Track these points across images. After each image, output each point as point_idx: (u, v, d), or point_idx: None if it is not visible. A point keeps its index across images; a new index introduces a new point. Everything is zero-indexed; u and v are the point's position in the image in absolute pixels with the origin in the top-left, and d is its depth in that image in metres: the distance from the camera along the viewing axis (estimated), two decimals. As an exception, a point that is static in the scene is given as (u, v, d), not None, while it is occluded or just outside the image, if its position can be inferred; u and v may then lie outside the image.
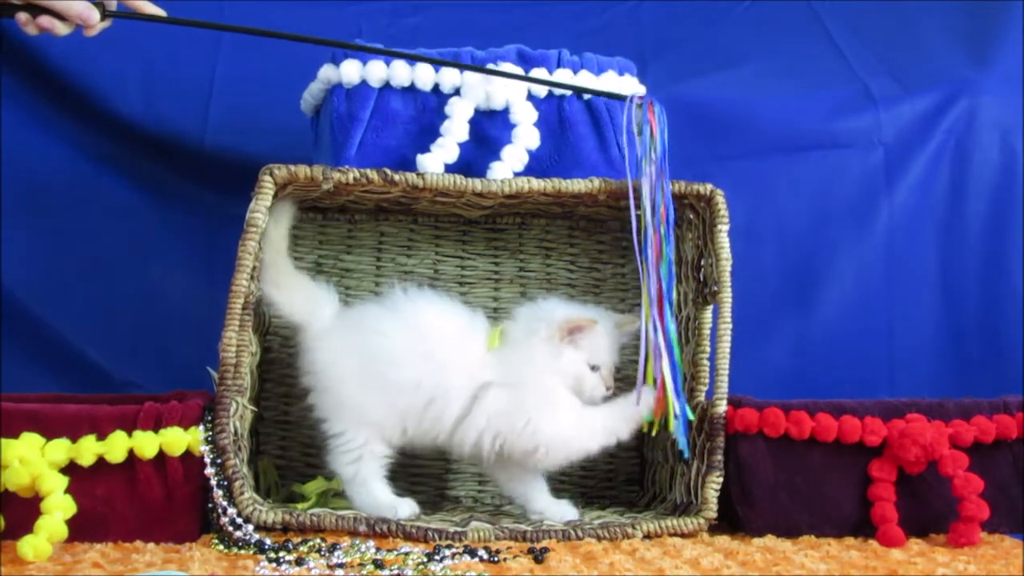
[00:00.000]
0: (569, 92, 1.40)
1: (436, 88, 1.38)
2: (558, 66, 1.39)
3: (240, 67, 1.71)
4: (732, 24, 1.86)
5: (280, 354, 1.54)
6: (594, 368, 1.35)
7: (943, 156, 1.80)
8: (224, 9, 1.72)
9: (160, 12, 1.29)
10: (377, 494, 1.33)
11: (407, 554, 1.18)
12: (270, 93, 1.67)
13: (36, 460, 1.18)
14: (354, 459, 1.33)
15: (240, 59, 1.71)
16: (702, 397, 1.38)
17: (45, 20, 1.22)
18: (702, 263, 1.41)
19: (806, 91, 1.80)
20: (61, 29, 1.23)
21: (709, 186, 1.38)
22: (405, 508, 1.32)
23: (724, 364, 1.34)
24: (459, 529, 1.27)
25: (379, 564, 1.14)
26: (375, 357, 1.32)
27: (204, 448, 1.23)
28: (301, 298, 1.36)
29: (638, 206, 1.32)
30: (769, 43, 1.84)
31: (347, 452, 1.33)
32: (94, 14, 1.23)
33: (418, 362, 1.31)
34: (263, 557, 1.17)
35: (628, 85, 1.44)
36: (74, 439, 1.20)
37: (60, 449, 1.19)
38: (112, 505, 1.22)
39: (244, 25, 1.37)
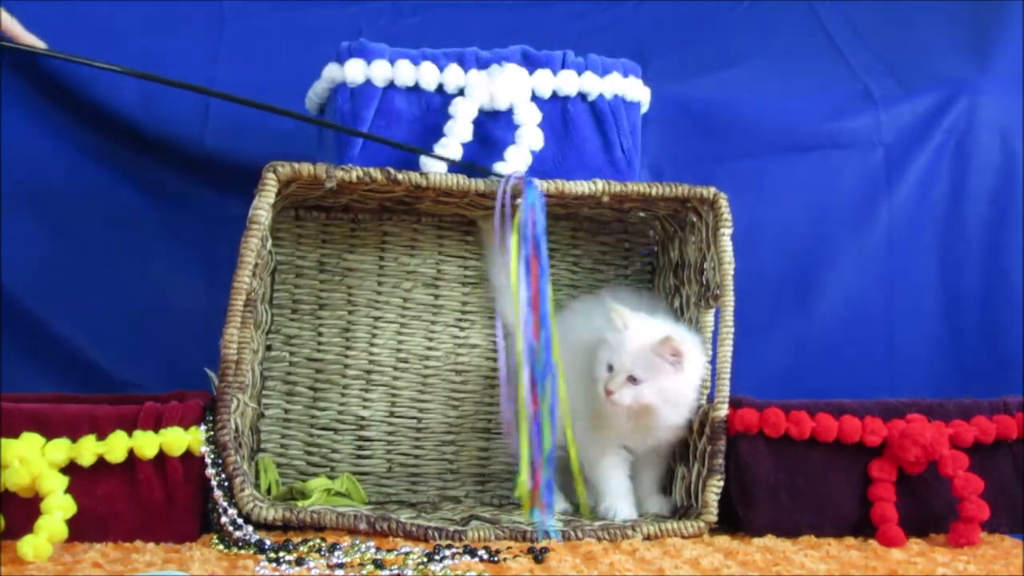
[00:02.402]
0: (573, 93, 1.39)
1: (440, 88, 1.38)
2: (563, 67, 1.39)
3: (240, 67, 1.70)
4: (732, 24, 1.86)
5: (282, 351, 1.54)
6: (610, 368, 1.34)
7: (943, 156, 1.80)
8: (224, 9, 1.72)
9: (39, 43, 1.28)
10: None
11: (407, 554, 1.18)
12: (270, 93, 1.65)
13: (36, 460, 1.17)
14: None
15: (240, 59, 1.70)
16: (703, 400, 1.38)
17: None
18: (704, 266, 1.41)
19: (806, 91, 1.80)
20: None
21: (712, 189, 1.38)
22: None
23: (725, 368, 1.35)
24: (459, 529, 1.27)
25: (379, 564, 1.14)
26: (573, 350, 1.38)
27: (204, 448, 1.23)
28: None
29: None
30: (769, 43, 1.84)
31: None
32: None
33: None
34: (263, 557, 1.17)
35: (633, 86, 1.44)
36: (74, 439, 1.20)
37: (60, 449, 1.19)
38: (112, 505, 1.22)
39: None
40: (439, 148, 1.35)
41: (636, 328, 1.34)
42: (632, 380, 1.32)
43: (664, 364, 1.32)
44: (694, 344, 1.37)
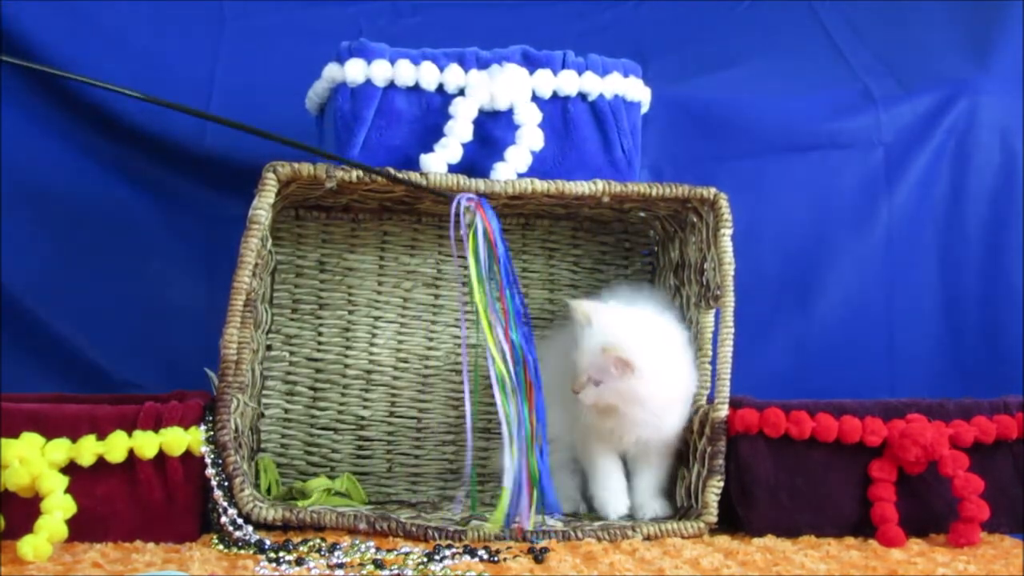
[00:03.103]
0: (573, 93, 1.39)
1: (440, 88, 1.37)
2: (563, 67, 1.39)
3: (240, 67, 1.70)
4: (732, 24, 1.86)
5: (282, 351, 1.54)
6: None
7: (943, 156, 1.80)
8: (224, 9, 1.72)
9: None
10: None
11: (407, 554, 1.18)
12: (270, 93, 1.66)
13: (36, 460, 1.17)
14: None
15: (240, 59, 1.71)
16: (703, 401, 1.38)
17: None
18: (705, 267, 1.41)
19: (806, 91, 1.80)
20: None
21: (713, 190, 1.38)
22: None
23: (726, 368, 1.34)
24: (459, 528, 1.27)
25: (379, 564, 1.14)
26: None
27: (204, 448, 1.23)
28: None
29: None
30: (769, 43, 1.84)
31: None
32: None
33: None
34: (263, 557, 1.17)
35: (633, 86, 1.44)
36: (74, 439, 1.20)
37: (60, 449, 1.19)
38: (112, 505, 1.21)
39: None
40: (439, 148, 1.35)
41: (601, 324, 1.31)
42: (593, 381, 1.30)
43: (612, 369, 1.28)
44: (652, 349, 1.30)
